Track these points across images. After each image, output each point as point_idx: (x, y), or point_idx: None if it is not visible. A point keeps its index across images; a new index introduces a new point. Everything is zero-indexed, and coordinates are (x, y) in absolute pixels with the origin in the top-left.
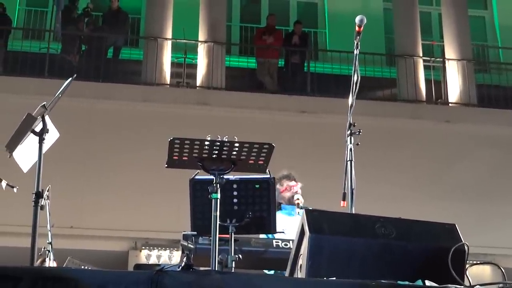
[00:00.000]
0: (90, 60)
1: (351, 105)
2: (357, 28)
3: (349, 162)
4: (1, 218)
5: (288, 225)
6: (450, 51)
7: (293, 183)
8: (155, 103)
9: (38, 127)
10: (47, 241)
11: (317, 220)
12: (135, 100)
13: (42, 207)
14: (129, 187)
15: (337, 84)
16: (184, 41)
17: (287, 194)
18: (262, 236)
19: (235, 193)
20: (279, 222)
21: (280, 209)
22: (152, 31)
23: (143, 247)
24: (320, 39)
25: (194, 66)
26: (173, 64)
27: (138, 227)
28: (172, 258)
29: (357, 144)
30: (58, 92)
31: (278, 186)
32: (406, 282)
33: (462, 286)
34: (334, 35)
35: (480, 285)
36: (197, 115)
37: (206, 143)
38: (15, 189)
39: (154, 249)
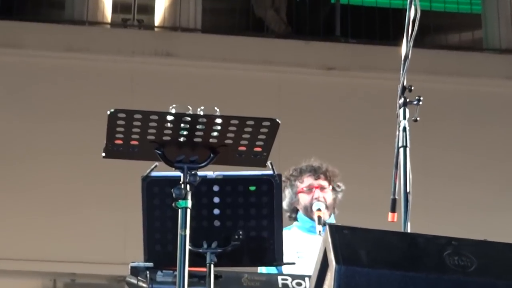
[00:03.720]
0: None
1: (406, 56)
2: None
3: (402, 149)
4: None
5: (307, 247)
6: None
7: (319, 182)
8: (88, 53)
9: None
10: None
11: (349, 243)
12: (55, 48)
13: None
14: (45, 193)
15: (383, 23)
16: None
17: (305, 198)
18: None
19: (216, 199)
20: (293, 241)
21: (295, 219)
22: None
23: None
24: None
25: None
26: None
27: (59, 257)
28: None
29: (415, 120)
30: None
31: (297, 182)
32: None
33: None
34: None
35: None
36: (155, 73)
37: (169, 117)
38: None
39: None
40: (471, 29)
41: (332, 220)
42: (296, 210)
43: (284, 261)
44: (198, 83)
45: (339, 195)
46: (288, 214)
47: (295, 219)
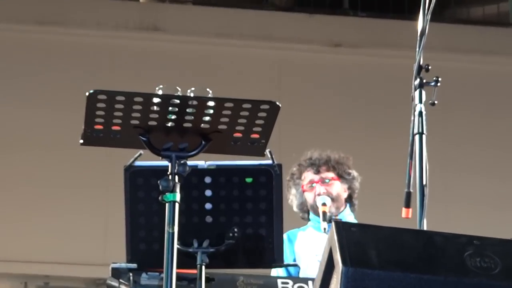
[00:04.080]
0: None
1: (422, 32)
2: None
3: (417, 137)
4: None
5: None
6: None
7: (320, 175)
8: (63, 26)
9: None
10: None
11: (357, 242)
12: (25, 21)
13: None
14: (14, 187)
15: None
16: None
17: (310, 197)
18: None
19: (208, 192)
20: (310, 243)
21: (309, 219)
22: None
23: None
24: None
25: None
26: None
27: (31, 257)
28: None
29: (433, 104)
30: None
31: (300, 180)
32: None
33: None
34: None
35: None
36: (140, 49)
37: (156, 100)
38: None
39: None
40: (496, 2)
41: (349, 214)
42: (308, 210)
43: (302, 264)
44: (188, 61)
45: (354, 183)
46: (300, 215)
47: (309, 219)
